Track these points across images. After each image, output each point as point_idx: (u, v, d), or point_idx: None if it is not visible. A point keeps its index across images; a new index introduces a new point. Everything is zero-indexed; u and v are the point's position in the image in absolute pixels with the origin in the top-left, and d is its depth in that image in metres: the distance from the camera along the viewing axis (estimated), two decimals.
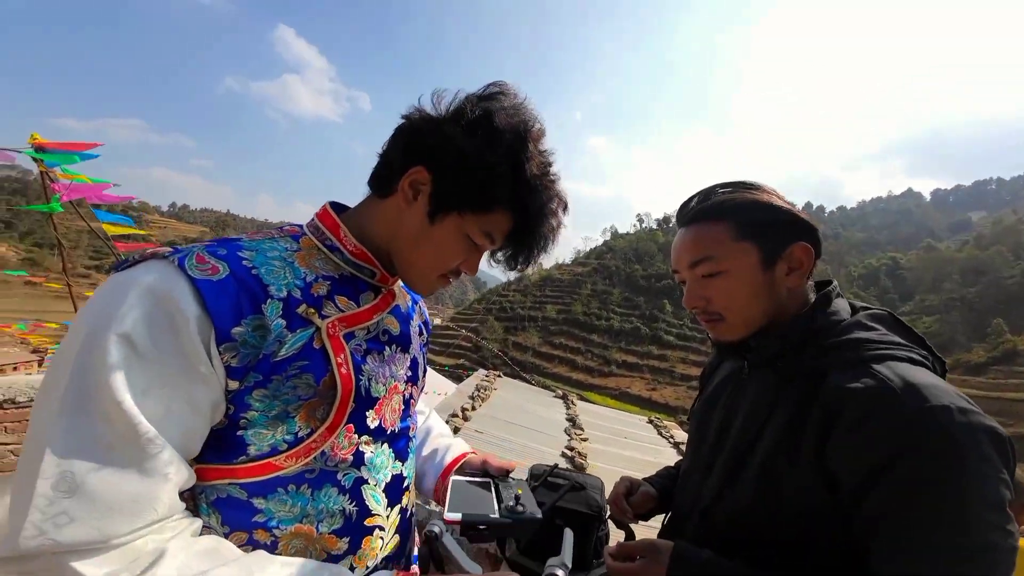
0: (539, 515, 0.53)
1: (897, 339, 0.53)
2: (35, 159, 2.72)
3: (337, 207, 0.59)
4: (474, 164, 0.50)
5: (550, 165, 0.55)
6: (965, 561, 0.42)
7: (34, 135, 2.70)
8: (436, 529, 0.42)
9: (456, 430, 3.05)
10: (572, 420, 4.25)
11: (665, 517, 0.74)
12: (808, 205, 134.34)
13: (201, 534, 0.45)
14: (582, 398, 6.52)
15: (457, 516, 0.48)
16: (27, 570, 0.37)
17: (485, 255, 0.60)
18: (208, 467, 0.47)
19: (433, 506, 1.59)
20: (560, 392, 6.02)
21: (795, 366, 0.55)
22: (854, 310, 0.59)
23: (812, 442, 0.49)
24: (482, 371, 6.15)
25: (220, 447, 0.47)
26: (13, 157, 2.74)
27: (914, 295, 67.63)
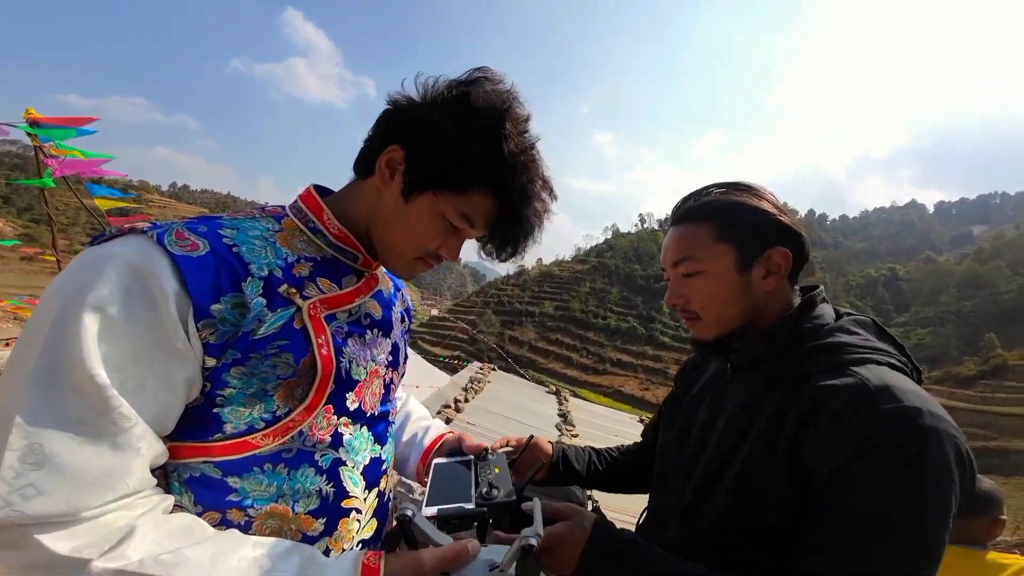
0: (513, 497, 0.54)
1: (878, 344, 0.54)
2: (29, 134, 2.68)
3: (321, 191, 0.59)
4: (447, 142, 0.50)
5: (532, 147, 0.53)
6: (902, 563, 0.43)
7: (29, 109, 2.66)
8: (409, 512, 0.43)
9: (448, 421, 3.07)
10: (564, 416, 4.28)
11: (641, 516, 0.75)
12: (811, 212, 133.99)
13: (173, 512, 0.44)
14: (575, 395, 6.56)
15: (433, 511, 0.50)
16: None
17: (474, 244, 0.59)
18: (182, 445, 0.46)
19: (417, 493, 1.61)
20: (554, 388, 6.05)
21: (778, 369, 0.55)
22: (838, 315, 0.59)
23: (787, 442, 0.50)
24: (477, 363, 6.17)
25: (195, 425, 0.46)
26: (8, 132, 2.70)
27: (910, 306, 67.90)
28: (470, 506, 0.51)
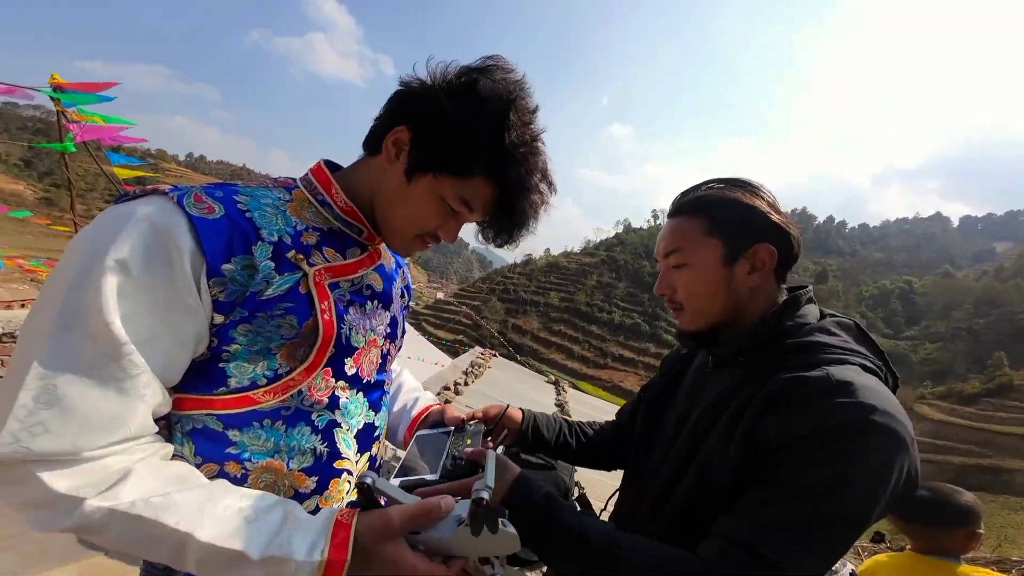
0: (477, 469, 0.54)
1: (856, 347, 0.55)
2: (53, 98, 2.72)
3: (332, 166, 0.61)
4: (452, 127, 0.51)
5: (534, 139, 0.54)
6: (802, 538, 0.45)
7: (54, 75, 2.69)
8: (369, 480, 0.43)
9: (447, 403, 3.15)
10: (561, 406, 4.36)
11: (608, 500, 0.76)
12: (830, 219, 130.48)
13: (172, 460, 0.47)
14: (574, 386, 6.65)
15: (396, 483, 0.51)
16: None
17: (473, 229, 0.61)
18: (187, 397, 0.49)
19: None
20: (553, 378, 6.14)
21: (756, 364, 0.57)
22: (823, 316, 0.60)
23: (746, 427, 0.51)
24: (479, 349, 6.26)
25: (201, 378, 0.49)
26: (32, 96, 2.74)
27: (922, 320, 66.64)
28: (431, 477, 0.53)
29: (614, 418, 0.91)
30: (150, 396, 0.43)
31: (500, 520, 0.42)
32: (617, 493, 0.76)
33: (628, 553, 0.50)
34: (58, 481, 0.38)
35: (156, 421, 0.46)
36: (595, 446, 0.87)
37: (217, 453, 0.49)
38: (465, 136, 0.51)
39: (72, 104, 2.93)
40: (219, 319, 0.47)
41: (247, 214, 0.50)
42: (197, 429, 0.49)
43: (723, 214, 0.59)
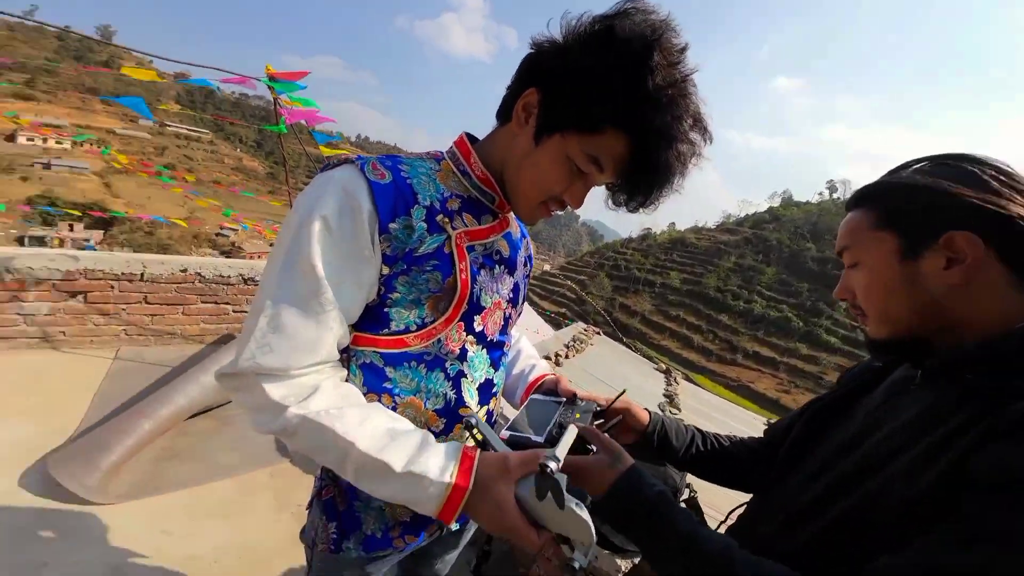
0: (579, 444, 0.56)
1: None
2: (269, 86, 3.55)
3: (471, 138, 0.66)
4: (583, 78, 0.49)
5: (683, 80, 0.49)
6: None
7: (268, 66, 3.50)
8: (473, 420, 0.51)
9: None
10: (670, 397, 3.91)
11: (729, 513, 0.69)
12: None
13: (346, 382, 0.57)
14: (688, 379, 5.89)
15: (506, 435, 0.56)
16: (235, 385, 0.50)
17: (602, 193, 0.60)
18: (360, 335, 0.58)
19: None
20: (664, 366, 5.56)
21: (987, 383, 0.44)
22: None
23: (958, 454, 0.41)
24: (581, 324, 6.10)
25: (371, 319, 0.57)
26: (255, 85, 3.62)
27: None
28: (537, 439, 0.56)
29: (762, 433, 0.76)
30: (337, 328, 0.52)
31: (571, 499, 0.43)
32: (743, 507, 0.67)
33: (742, 569, 0.44)
34: (274, 391, 0.48)
35: (340, 352, 0.56)
36: (736, 461, 0.73)
37: (377, 386, 0.58)
38: (596, 86, 0.49)
39: (283, 92, 3.77)
40: (385, 270, 0.55)
41: (408, 180, 0.56)
42: (365, 364, 0.58)
43: (897, 201, 0.50)
